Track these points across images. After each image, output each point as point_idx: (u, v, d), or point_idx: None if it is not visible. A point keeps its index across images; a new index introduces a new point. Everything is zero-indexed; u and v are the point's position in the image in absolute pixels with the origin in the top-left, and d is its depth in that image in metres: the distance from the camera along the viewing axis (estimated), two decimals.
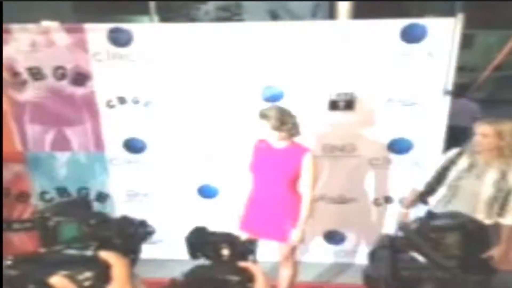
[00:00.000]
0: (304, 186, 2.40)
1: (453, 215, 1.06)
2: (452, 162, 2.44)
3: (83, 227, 0.86)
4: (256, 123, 2.33)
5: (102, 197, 3.18)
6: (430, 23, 2.65)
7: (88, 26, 2.74)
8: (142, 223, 1.05)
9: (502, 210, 2.31)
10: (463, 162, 2.39)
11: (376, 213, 3.12)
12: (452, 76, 2.71)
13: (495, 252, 2.34)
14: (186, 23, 2.99)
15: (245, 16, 5.36)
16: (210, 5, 5.33)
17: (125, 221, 1.02)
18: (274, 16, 5.19)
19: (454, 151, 2.49)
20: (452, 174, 2.41)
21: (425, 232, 0.94)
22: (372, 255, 1.04)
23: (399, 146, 2.92)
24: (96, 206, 3.18)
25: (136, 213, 3.14)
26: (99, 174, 3.11)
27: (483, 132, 2.27)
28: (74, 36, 2.76)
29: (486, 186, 2.29)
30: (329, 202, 3.09)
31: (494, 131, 2.24)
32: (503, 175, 2.26)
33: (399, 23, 2.65)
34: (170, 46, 2.76)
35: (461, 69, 2.81)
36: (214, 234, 1.08)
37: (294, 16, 5.33)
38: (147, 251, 1.15)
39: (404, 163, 2.95)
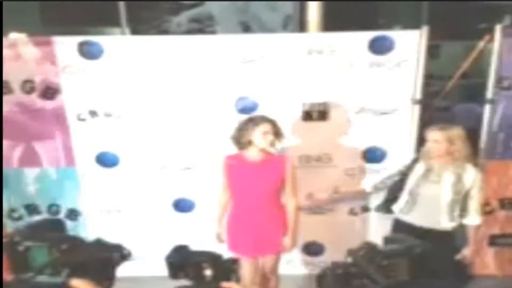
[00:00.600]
0: (289, 194, 2.41)
1: (399, 239, 1.07)
2: (409, 169, 2.53)
3: (54, 252, 0.81)
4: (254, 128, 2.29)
5: (73, 214, 3.09)
6: (397, 35, 2.74)
7: (57, 39, 2.69)
8: (117, 247, 1.01)
9: (463, 212, 2.43)
10: (419, 169, 2.48)
11: (353, 222, 3.15)
12: (420, 85, 2.80)
13: (466, 252, 2.43)
14: (158, 36, 2.98)
15: (217, 28, 5.38)
16: (182, 17, 5.31)
17: (99, 245, 0.98)
18: (246, 28, 5.23)
19: (409, 159, 2.62)
20: (411, 181, 2.49)
21: (377, 260, 0.94)
22: (320, 280, 1.03)
23: (373, 155, 2.97)
24: (67, 223, 3.09)
25: (109, 230, 3.10)
26: (70, 190, 3.03)
27: (435, 138, 2.37)
28: (42, 49, 2.70)
29: (445, 190, 2.38)
30: (308, 213, 3.09)
31: (445, 137, 2.34)
32: (459, 178, 2.37)
33: (367, 35, 2.73)
34: (142, 58, 2.74)
35: (429, 77, 2.91)
36: (196, 253, 1.04)
37: (265, 28, 5.38)
38: (122, 268, 1.12)
39: (378, 172, 3.00)
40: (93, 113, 2.84)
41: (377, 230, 3.16)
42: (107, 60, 2.73)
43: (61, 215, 3.08)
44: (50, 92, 2.79)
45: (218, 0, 5.51)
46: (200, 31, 5.41)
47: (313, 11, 3.20)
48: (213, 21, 5.44)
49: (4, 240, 0.80)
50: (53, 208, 3.07)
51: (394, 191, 2.62)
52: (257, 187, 2.34)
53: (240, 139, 2.32)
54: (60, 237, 0.92)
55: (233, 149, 2.78)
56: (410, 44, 2.74)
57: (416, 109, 2.84)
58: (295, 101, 2.85)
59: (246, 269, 2.46)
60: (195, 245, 3.13)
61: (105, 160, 2.97)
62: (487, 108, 2.88)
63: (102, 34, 5.73)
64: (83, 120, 2.85)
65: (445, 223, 2.42)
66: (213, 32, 5.48)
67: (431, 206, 2.42)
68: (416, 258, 0.93)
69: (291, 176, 2.39)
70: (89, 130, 2.87)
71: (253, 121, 2.29)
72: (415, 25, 2.76)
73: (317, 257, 3.24)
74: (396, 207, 2.58)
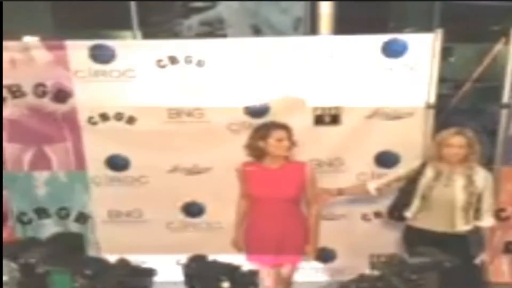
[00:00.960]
0: (310, 201, 2.40)
1: (426, 252, 1.04)
2: (419, 173, 2.50)
3: (78, 278, 0.75)
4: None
5: (82, 217, 3.09)
6: (410, 38, 2.70)
7: (69, 43, 2.70)
8: (147, 271, 0.96)
9: (477, 213, 2.42)
10: (430, 172, 2.46)
11: (366, 229, 3.10)
12: (434, 89, 2.76)
13: (484, 257, 2.40)
14: (169, 40, 2.98)
15: (228, 31, 5.38)
16: (193, 20, 5.33)
17: (126, 269, 0.92)
18: (257, 31, 5.23)
19: (417, 163, 2.57)
20: (423, 185, 2.47)
21: (406, 274, 0.91)
22: None
23: (386, 160, 2.92)
24: (76, 227, 3.10)
25: (118, 234, 3.09)
26: (79, 194, 3.03)
27: (459, 143, 2.35)
28: (54, 53, 2.71)
29: (457, 193, 2.37)
30: None
31: (467, 142, 2.35)
32: (470, 180, 2.37)
33: (380, 39, 2.70)
34: (153, 62, 2.73)
35: (442, 81, 2.87)
36: (213, 264, 1.00)
37: (277, 31, 5.37)
38: None
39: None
40: (104, 117, 2.84)
41: (390, 236, 3.12)
42: (119, 64, 2.73)
43: (71, 219, 3.08)
44: (62, 95, 2.80)
45: (229, 0, 5.51)
46: (211, 34, 5.43)
47: (324, 14, 3.17)
48: (224, 24, 5.45)
49: (19, 261, 0.74)
50: (62, 212, 3.07)
51: (404, 196, 2.58)
52: (278, 194, 2.30)
53: (255, 149, 2.30)
54: (84, 261, 0.85)
55: (241, 152, 2.79)
56: (424, 47, 2.69)
57: (430, 113, 2.80)
58: (306, 104, 2.81)
59: (266, 279, 2.39)
60: (206, 250, 3.13)
61: (116, 163, 2.96)
62: (503, 113, 2.82)
63: (114, 38, 5.78)
64: (94, 123, 2.85)
65: (461, 226, 2.41)
66: (224, 35, 5.49)
67: (446, 209, 2.41)
68: (446, 273, 0.90)
69: (312, 183, 2.37)
70: (100, 133, 2.87)
71: (265, 129, 2.27)
72: (427, 28, 2.73)
73: (329, 264, 3.19)
74: (409, 213, 2.54)
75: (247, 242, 2.49)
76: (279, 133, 2.25)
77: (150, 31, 5.54)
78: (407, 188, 2.57)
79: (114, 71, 2.74)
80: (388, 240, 3.13)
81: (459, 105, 3.44)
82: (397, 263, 0.93)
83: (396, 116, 2.82)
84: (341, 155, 2.90)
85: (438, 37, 2.66)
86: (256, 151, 2.31)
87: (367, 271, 2.62)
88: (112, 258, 1.02)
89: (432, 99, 2.77)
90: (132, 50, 2.76)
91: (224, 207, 3.01)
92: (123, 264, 0.90)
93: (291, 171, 2.34)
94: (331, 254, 3.17)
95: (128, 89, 2.78)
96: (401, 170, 2.67)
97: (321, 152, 2.88)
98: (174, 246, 3.15)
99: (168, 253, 3.19)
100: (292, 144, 2.31)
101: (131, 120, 2.84)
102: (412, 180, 2.54)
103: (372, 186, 2.71)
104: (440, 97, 2.87)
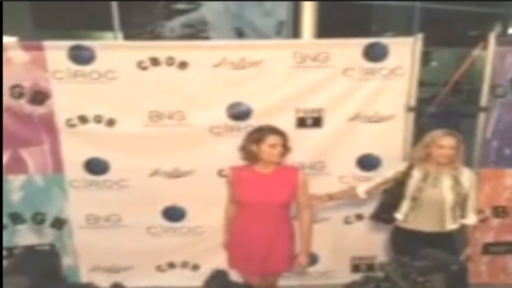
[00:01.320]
0: (302, 206, 2.37)
1: (431, 255, 1.05)
2: (407, 175, 2.54)
3: None
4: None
5: (58, 223, 3.00)
6: (391, 42, 2.73)
7: (47, 44, 2.63)
8: None
9: (463, 212, 2.52)
10: (417, 174, 2.51)
11: (348, 231, 3.12)
12: (415, 92, 2.79)
13: (468, 252, 2.48)
14: (150, 41, 2.94)
15: (211, 33, 5.36)
16: (176, 22, 5.29)
17: None
18: (240, 33, 5.22)
19: (403, 165, 2.62)
20: (411, 187, 2.51)
21: (412, 276, 0.90)
22: None
23: (367, 163, 2.95)
24: (52, 232, 3.02)
25: (97, 239, 3.01)
26: (56, 198, 2.94)
27: (450, 145, 2.41)
28: (32, 53, 2.63)
29: (445, 193, 2.44)
30: None
31: (456, 142, 2.42)
32: (456, 181, 2.45)
33: (361, 42, 2.72)
34: (134, 63, 2.69)
35: (421, 84, 2.92)
36: (235, 285, 0.96)
37: (260, 34, 5.39)
38: (113, 278, 1.07)
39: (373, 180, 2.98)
40: (83, 119, 2.78)
41: (371, 239, 3.14)
42: (98, 65, 2.67)
43: (46, 224, 3.00)
44: (39, 97, 2.72)
45: (212, 0, 5.48)
46: (194, 36, 5.41)
47: (307, 17, 3.18)
48: (207, 26, 5.44)
49: None
50: (38, 217, 2.97)
51: (391, 198, 2.61)
52: (270, 199, 2.26)
53: (248, 152, 2.26)
54: None
55: (224, 155, 2.76)
56: (404, 51, 2.73)
57: (411, 116, 2.83)
58: (289, 107, 2.81)
59: None
60: (188, 255, 3.08)
61: (95, 167, 2.90)
62: (481, 116, 2.87)
63: (95, 38, 5.69)
64: (73, 126, 2.78)
65: (449, 226, 2.48)
66: (207, 38, 5.47)
67: (435, 210, 2.47)
68: (452, 275, 0.90)
69: (304, 188, 2.35)
70: (78, 136, 2.80)
71: (260, 133, 2.23)
72: (408, 32, 2.76)
73: (311, 267, 3.18)
74: (399, 214, 2.57)
75: (232, 249, 2.44)
76: (273, 139, 2.21)
77: (132, 33, 5.49)
78: (395, 191, 2.59)
79: (93, 72, 2.68)
80: (369, 243, 3.16)
81: (438, 108, 3.50)
82: (403, 265, 0.93)
83: (377, 119, 2.84)
84: (324, 158, 2.91)
85: (418, 41, 2.70)
86: (249, 155, 2.28)
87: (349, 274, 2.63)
88: (104, 283, 1.00)
89: (413, 102, 2.80)
90: (113, 51, 2.71)
91: (205, 211, 2.99)
92: None
93: (283, 176, 2.31)
94: (314, 257, 3.16)
95: (108, 91, 2.72)
96: (388, 172, 2.69)
97: (304, 155, 2.87)
98: (154, 251, 3.12)
99: (149, 258, 3.15)
100: (286, 150, 2.28)
101: (110, 122, 2.79)
102: (399, 182, 2.56)
103: (361, 190, 2.72)
104: (420, 100, 2.91)
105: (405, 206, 2.54)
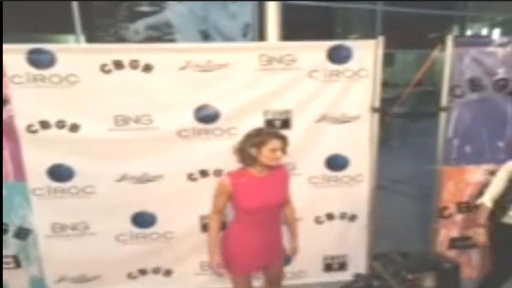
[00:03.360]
0: (288, 199, 2.46)
1: (423, 254, 1.07)
2: None
3: None
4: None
5: (22, 233, 2.90)
6: (354, 44, 2.80)
7: (5, 47, 2.53)
8: None
9: None
10: None
11: (319, 231, 3.15)
12: (378, 93, 2.87)
13: None
14: (114, 44, 2.88)
15: (176, 35, 5.30)
16: (140, 24, 5.19)
17: None
18: (206, 36, 5.19)
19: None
20: None
21: (402, 274, 0.92)
22: None
23: (336, 163, 3.00)
24: (16, 243, 2.91)
25: (63, 249, 2.91)
26: (19, 207, 2.84)
27: None
28: None
29: None
30: None
31: None
32: None
33: (325, 45, 2.77)
34: (97, 67, 2.62)
35: (385, 85, 3.00)
36: None
37: (226, 37, 5.38)
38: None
39: (342, 179, 3.04)
40: (44, 124, 2.69)
41: (342, 238, 3.19)
42: (59, 69, 2.59)
43: (9, 235, 2.88)
44: None
45: (178, 0, 5.41)
46: (159, 39, 5.32)
47: (272, 20, 3.20)
48: (172, 29, 5.37)
49: None
50: None
51: (506, 198, 2.64)
52: (271, 202, 2.26)
53: (245, 155, 2.20)
54: None
55: (193, 158, 2.74)
56: (367, 53, 2.80)
57: (376, 116, 2.90)
58: (257, 109, 2.83)
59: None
60: (159, 261, 3.02)
61: (59, 174, 2.81)
62: (442, 116, 2.98)
63: (56, 41, 5.51)
64: (34, 132, 2.69)
65: None
66: (172, 40, 5.40)
67: None
68: (443, 273, 0.92)
69: (289, 183, 2.41)
70: (40, 142, 2.71)
71: (260, 137, 2.17)
72: (371, 35, 2.84)
73: (285, 267, 3.19)
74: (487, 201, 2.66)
75: (238, 257, 2.34)
76: (274, 143, 2.15)
77: (95, 35, 5.35)
78: (508, 189, 2.63)
79: (54, 76, 2.60)
80: (340, 242, 3.21)
81: (401, 109, 3.61)
82: (393, 264, 0.94)
83: (343, 120, 2.90)
84: (293, 159, 2.93)
85: (380, 43, 2.77)
86: (247, 158, 2.21)
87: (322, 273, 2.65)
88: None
89: (377, 103, 2.88)
90: (74, 54, 2.64)
91: (176, 216, 2.96)
92: None
93: (278, 177, 2.31)
94: (287, 257, 3.18)
95: (70, 95, 2.64)
96: (499, 175, 2.72)
97: None
98: (124, 259, 3.05)
99: (119, 266, 3.08)
100: (284, 154, 2.23)
101: (74, 127, 2.71)
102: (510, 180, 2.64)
103: (487, 202, 2.69)
104: (384, 101, 2.99)
105: None
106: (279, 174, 2.34)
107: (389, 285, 0.84)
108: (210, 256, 2.34)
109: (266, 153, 2.15)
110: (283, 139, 2.19)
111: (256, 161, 2.19)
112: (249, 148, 2.17)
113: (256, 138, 2.17)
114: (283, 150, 2.20)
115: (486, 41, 2.94)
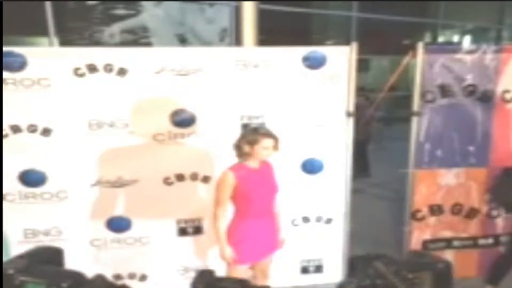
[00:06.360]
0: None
1: (417, 255, 1.12)
2: None
3: None
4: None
5: None
6: (329, 50, 2.85)
7: None
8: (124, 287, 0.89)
9: None
10: None
11: (295, 234, 3.16)
12: (353, 98, 2.92)
13: None
14: (87, 47, 2.85)
15: (153, 39, 5.27)
16: (115, 28, 5.13)
17: (102, 285, 0.86)
18: (183, 40, 5.19)
19: None
20: None
21: (403, 273, 0.96)
22: None
23: (311, 167, 3.04)
24: None
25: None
26: None
27: None
28: None
29: None
30: None
31: None
32: None
33: (301, 50, 2.82)
34: (70, 70, 2.59)
35: (361, 90, 3.06)
36: (224, 280, 0.92)
37: (202, 41, 5.38)
38: None
39: (317, 183, 3.08)
40: (15, 129, 2.63)
41: (317, 240, 3.22)
42: (31, 72, 2.55)
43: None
44: None
45: (156, 0, 5.38)
46: (135, 42, 5.29)
47: (248, 25, 3.24)
48: (149, 32, 5.34)
49: None
50: None
51: None
52: (270, 192, 2.47)
53: (241, 152, 2.38)
54: (60, 273, 0.80)
55: (168, 163, 2.72)
56: (341, 59, 2.86)
57: (350, 121, 2.96)
58: (233, 114, 2.84)
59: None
60: (135, 265, 2.97)
61: (31, 179, 2.74)
62: (414, 120, 3.06)
63: (28, 44, 5.39)
64: (4, 136, 2.62)
65: None
66: (148, 44, 5.37)
67: None
68: (439, 273, 0.97)
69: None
70: (11, 146, 2.64)
71: (254, 136, 2.34)
72: (346, 41, 2.90)
73: None
74: None
75: (238, 246, 2.43)
76: (267, 142, 2.34)
77: (69, 38, 5.26)
78: None
79: (25, 79, 2.55)
80: (316, 245, 3.23)
81: (375, 113, 3.69)
82: (393, 263, 0.99)
83: (318, 124, 2.94)
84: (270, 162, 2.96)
85: (353, 49, 2.83)
86: (242, 154, 2.39)
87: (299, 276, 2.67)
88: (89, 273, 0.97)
89: (351, 108, 2.93)
90: (46, 57, 2.59)
91: (151, 220, 2.93)
92: (99, 280, 0.85)
93: (268, 168, 2.50)
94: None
95: (42, 99, 2.60)
96: None
97: None
98: (99, 264, 2.99)
99: (93, 271, 3.01)
100: (276, 150, 2.41)
101: (46, 132, 2.66)
102: None
103: None
104: (358, 105, 3.05)
105: None
106: (268, 166, 2.52)
107: (392, 283, 0.88)
108: (222, 249, 2.42)
109: (259, 151, 2.36)
110: (275, 138, 2.38)
111: (250, 156, 2.38)
112: (243, 145, 2.36)
113: (249, 137, 2.37)
114: (275, 147, 2.40)
115: (455, 49, 3.05)
